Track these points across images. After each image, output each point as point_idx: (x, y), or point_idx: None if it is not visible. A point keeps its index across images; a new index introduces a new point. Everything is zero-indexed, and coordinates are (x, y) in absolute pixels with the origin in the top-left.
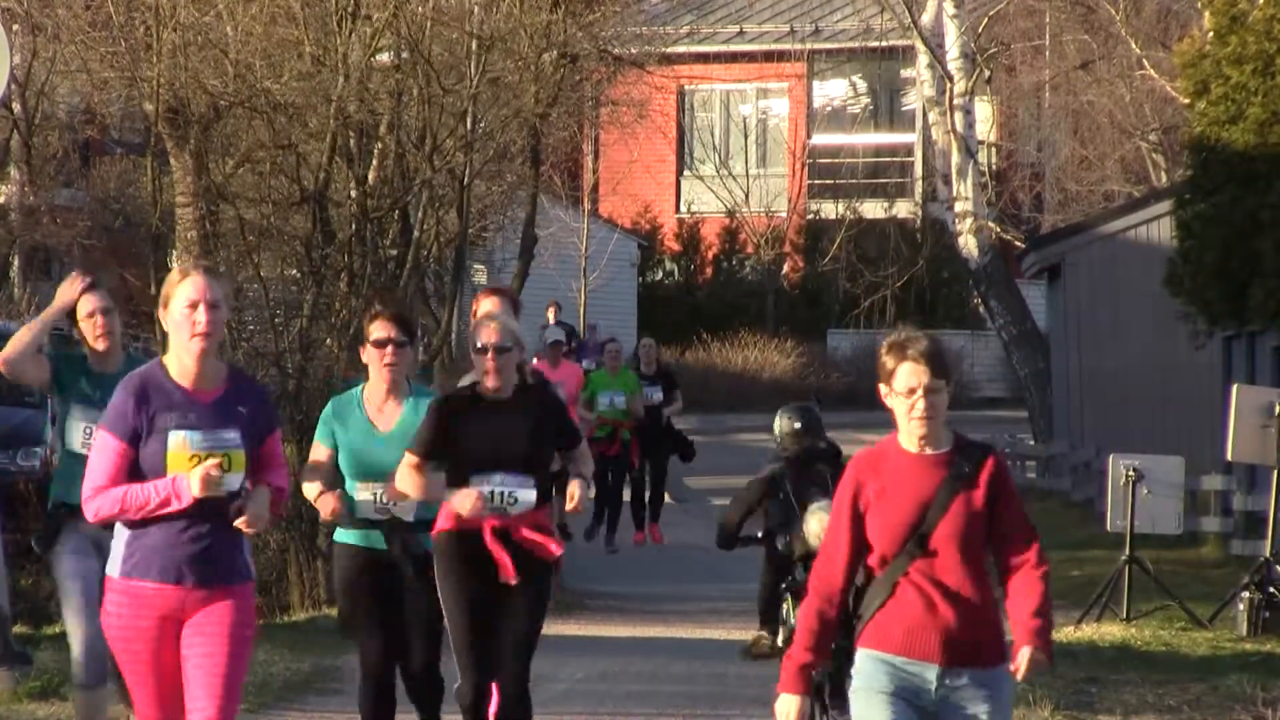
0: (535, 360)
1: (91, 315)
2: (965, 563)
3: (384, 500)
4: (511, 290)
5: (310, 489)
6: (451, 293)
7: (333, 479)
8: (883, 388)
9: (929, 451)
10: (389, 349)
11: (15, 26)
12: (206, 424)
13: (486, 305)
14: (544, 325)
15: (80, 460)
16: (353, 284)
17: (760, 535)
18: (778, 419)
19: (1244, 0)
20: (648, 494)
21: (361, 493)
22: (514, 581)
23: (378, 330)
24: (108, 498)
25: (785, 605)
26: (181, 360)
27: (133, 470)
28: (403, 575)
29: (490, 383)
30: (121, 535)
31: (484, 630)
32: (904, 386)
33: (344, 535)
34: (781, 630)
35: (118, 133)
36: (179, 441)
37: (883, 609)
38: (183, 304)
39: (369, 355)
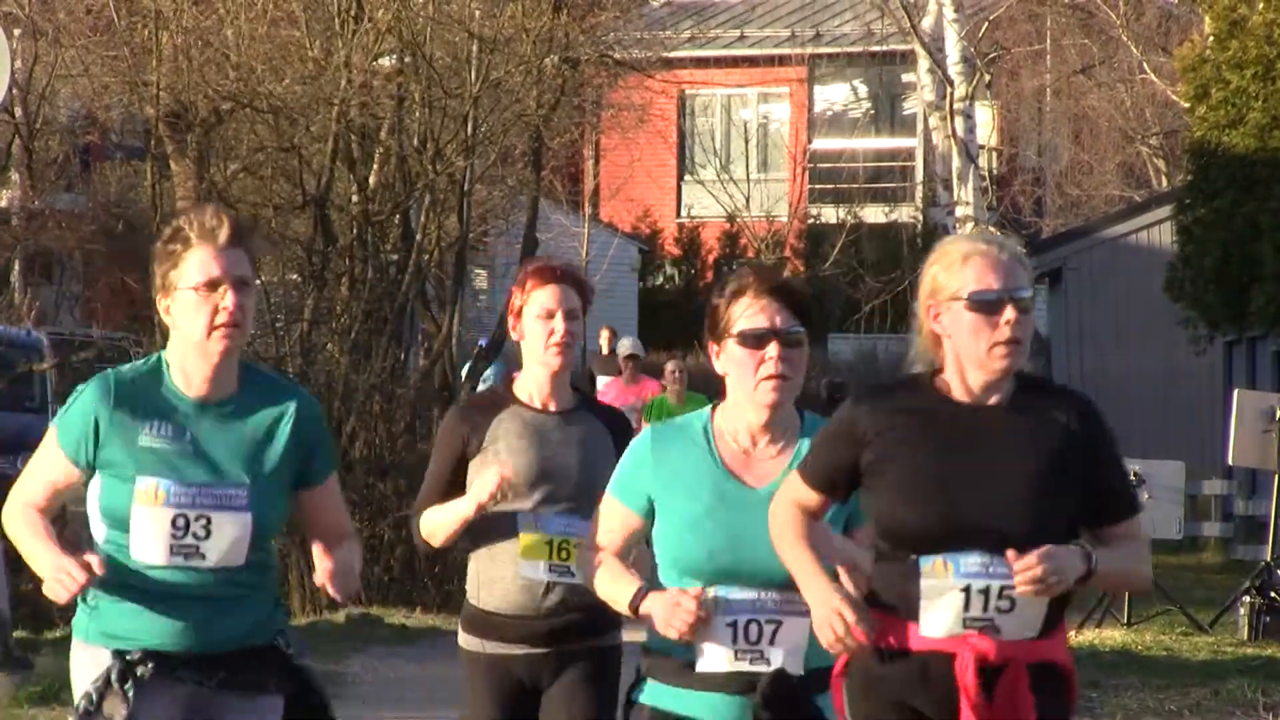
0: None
1: None
2: None
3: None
4: (580, 270)
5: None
6: (452, 297)
7: None
8: None
9: None
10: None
11: (16, 31)
12: None
13: (546, 298)
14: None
15: None
16: (353, 288)
17: None
18: None
19: (1244, 5)
20: None
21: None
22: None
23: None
24: None
25: None
26: None
27: None
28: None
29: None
30: None
31: None
32: None
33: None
34: None
35: (118, 137)
36: None
37: None
38: None
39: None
